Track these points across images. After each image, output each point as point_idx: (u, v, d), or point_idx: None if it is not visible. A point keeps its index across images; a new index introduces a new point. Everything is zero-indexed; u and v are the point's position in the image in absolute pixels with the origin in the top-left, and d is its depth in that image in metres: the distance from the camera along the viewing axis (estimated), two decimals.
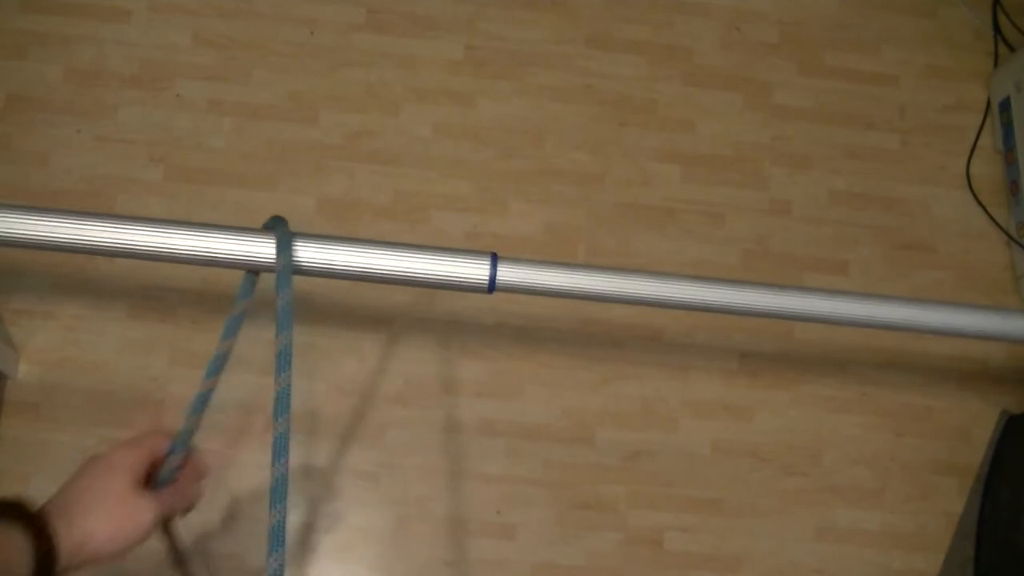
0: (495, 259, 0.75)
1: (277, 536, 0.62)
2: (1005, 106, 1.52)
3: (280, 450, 0.64)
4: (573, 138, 1.49)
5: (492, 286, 0.75)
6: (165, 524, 0.71)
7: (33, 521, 0.59)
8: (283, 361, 0.67)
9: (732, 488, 1.38)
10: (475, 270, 0.74)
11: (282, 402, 0.66)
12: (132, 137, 1.42)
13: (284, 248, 0.70)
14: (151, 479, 0.69)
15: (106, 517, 0.63)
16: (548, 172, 1.47)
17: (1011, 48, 1.59)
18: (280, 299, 0.68)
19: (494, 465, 1.35)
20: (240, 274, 0.72)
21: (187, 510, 0.72)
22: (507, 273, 0.75)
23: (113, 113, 1.43)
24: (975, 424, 1.43)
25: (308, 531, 1.30)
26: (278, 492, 0.63)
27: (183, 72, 1.45)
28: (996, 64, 1.59)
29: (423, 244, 0.75)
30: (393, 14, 1.51)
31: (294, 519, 1.30)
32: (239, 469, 1.30)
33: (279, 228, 0.71)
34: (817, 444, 1.41)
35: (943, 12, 1.62)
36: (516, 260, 0.76)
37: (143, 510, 0.65)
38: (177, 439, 0.71)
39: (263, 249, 0.71)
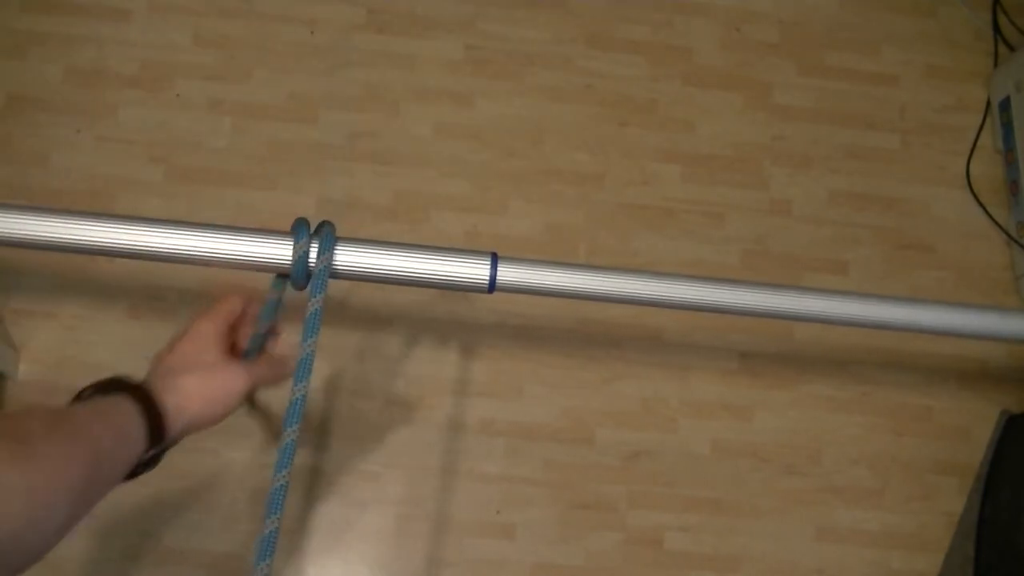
0: (495, 259, 0.75)
1: (268, 545, 0.62)
2: (1005, 106, 1.52)
3: (285, 460, 0.64)
4: (573, 138, 1.49)
5: (492, 286, 0.75)
6: (251, 396, 0.73)
7: (139, 391, 0.62)
8: (304, 369, 0.66)
9: (732, 488, 1.38)
10: (475, 270, 0.74)
11: (295, 410, 0.65)
12: (132, 137, 1.42)
13: (326, 249, 0.70)
14: (240, 351, 0.73)
15: (200, 383, 0.66)
16: (548, 172, 1.47)
17: (1011, 48, 1.59)
18: (312, 304, 0.69)
19: (494, 465, 1.35)
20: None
21: (276, 382, 0.75)
22: (507, 273, 0.75)
23: (113, 113, 1.43)
24: (975, 424, 1.43)
25: (308, 531, 1.30)
26: (276, 501, 0.63)
27: (183, 72, 1.45)
28: (996, 64, 1.59)
29: (423, 244, 0.75)
30: (393, 14, 1.51)
31: (294, 519, 1.30)
32: (241, 469, 1.30)
33: (324, 229, 0.72)
34: (817, 444, 1.40)
35: (943, 12, 1.62)
36: (516, 260, 0.76)
37: (234, 376, 0.68)
38: (263, 311, 0.73)
39: (264, 250, 0.70)
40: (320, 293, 0.68)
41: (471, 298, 1.39)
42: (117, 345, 1.34)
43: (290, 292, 0.75)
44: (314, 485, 1.31)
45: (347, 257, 0.73)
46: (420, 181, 1.45)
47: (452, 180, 1.45)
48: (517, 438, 1.36)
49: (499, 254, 0.76)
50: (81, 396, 0.63)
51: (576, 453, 1.36)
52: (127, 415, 0.60)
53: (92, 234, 0.68)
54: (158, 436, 0.62)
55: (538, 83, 1.51)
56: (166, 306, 1.36)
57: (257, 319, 0.74)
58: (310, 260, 0.70)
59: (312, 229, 0.71)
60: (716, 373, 1.42)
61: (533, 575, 1.32)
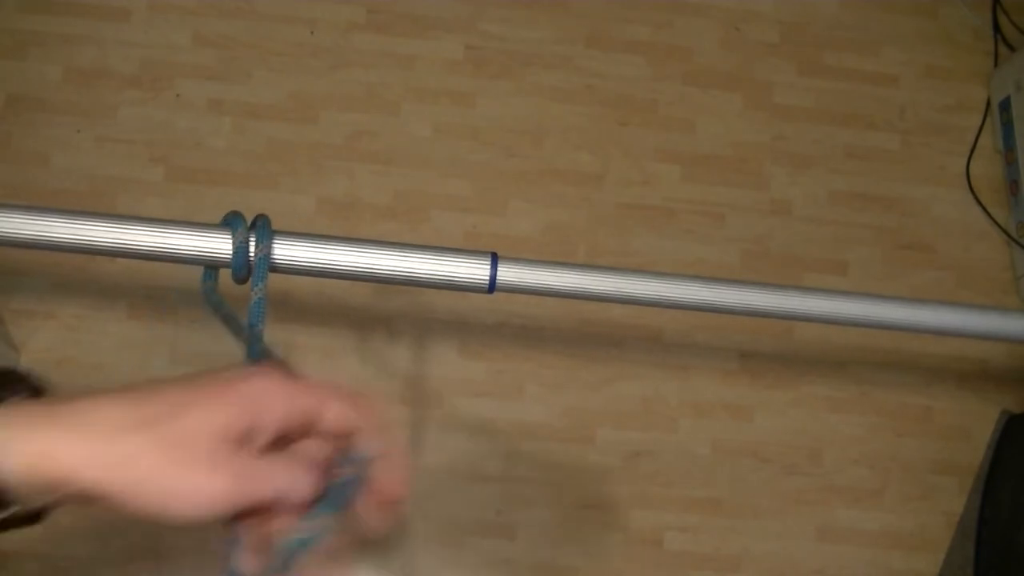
0: (495, 259, 0.75)
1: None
2: (1005, 106, 1.52)
3: None
4: (573, 138, 1.49)
5: (492, 286, 0.75)
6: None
7: None
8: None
9: (732, 488, 1.38)
10: (475, 270, 0.74)
11: None
12: (132, 137, 1.42)
13: (263, 239, 0.69)
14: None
15: (152, 448, 0.37)
16: (548, 172, 1.47)
17: (1011, 48, 1.59)
18: (255, 293, 0.67)
19: (494, 465, 1.35)
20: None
21: (272, 496, 0.40)
22: (507, 273, 0.75)
23: (113, 113, 1.43)
24: (975, 424, 1.43)
25: None
26: None
27: (183, 72, 1.45)
28: (996, 64, 1.59)
29: (423, 244, 0.75)
30: (393, 14, 1.51)
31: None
32: None
33: (260, 224, 0.70)
34: (817, 444, 1.40)
35: (943, 12, 1.62)
36: (516, 260, 0.75)
37: (214, 472, 0.38)
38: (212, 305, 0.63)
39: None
40: (260, 283, 0.68)
41: (470, 297, 1.40)
42: (117, 345, 1.34)
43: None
44: None
45: (348, 257, 0.73)
46: (420, 181, 1.45)
47: (452, 180, 1.45)
48: (517, 438, 1.36)
49: (499, 254, 0.76)
50: None
51: (576, 453, 1.36)
52: None
53: (92, 234, 0.68)
54: None
55: (538, 83, 1.51)
56: (166, 306, 1.36)
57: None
58: (250, 253, 0.69)
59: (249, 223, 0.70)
60: (716, 373, 1.42)
61: (533, 575, 1.32)
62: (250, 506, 0.39)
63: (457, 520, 1.32)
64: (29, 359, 1.32)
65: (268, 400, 0.39)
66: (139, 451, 0.37)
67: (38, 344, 1.33)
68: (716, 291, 0.77)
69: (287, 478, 0.40)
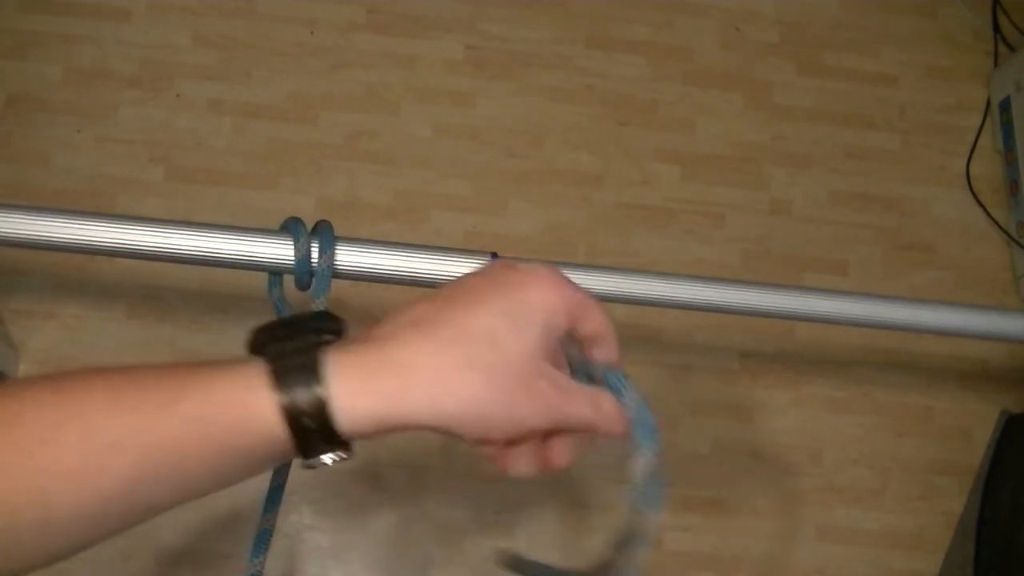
0: (495, 259, 0.75)
1: (263, 542, 0.61)
2: (1005, 106, 1.52)
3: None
4: (573, 138, 1.49)
5: None
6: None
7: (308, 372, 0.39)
8: None
9: (732, 488, 1.38)
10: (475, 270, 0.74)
11: None
12: (132, 137, 1.42)
13: (326, 246, 0.69)
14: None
15: (483, 372, 0.38)
16: (548, 172, 1.47)
17: (1011, 48, 1.59)
18: (316, 305, 0.67)
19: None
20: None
21: (588, 429, 0.46)
22: None
23: (113, 113, 1.43)
24: (975, 424, 1.43)
25: (309, 531, 1.30)
26: (273, 498, 0.62)
27: (183, 72, 1.45)
28: (996, 64, 1.59)
29: (423, 244, 0.75)
30: (393, 14, 1.51)
31: (296, 520, 1.30)
32: None
33: (322, 228, 0.71)
34: (817, 444, 1.40)
35: (943, 12, 1.62)
36: (516, 260, 0.75)
37: (541, 392, 0.40)
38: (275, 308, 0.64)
39: (268, 250, 0.70)
40: (324, 294, 0.68)
41: None
42: (117, 345, 1.34)
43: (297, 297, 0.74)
44: (315, 486, 1.31)
45: (349, 257, 0.73)
46: (420, 181, 1.45)
47: (452, 180, 1.45)
48: None
49: (499, 254, 0.76)
50: (259, 343, 0.41)
51: None
52: (242, 415, 0.38)
53: (92, 234, 0.68)
54: (323, 437, 0.38)
55: (538, 83, 1.51)
56: (165, 306, 1.36)
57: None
58: (312, 260, 0.69)
59: (309, 228, 0.71)
60: (716, 373, 1.41)
61: None
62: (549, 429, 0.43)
63: (457, 520, 1.32)
64: (29, 359, 1.32)
65: (557, 303, 0.41)
66: (471, 392, 0.38)
67: (38, 344, 1.33)
68: (716, 291, 0.77)
69: (590, 406, 0.44)
